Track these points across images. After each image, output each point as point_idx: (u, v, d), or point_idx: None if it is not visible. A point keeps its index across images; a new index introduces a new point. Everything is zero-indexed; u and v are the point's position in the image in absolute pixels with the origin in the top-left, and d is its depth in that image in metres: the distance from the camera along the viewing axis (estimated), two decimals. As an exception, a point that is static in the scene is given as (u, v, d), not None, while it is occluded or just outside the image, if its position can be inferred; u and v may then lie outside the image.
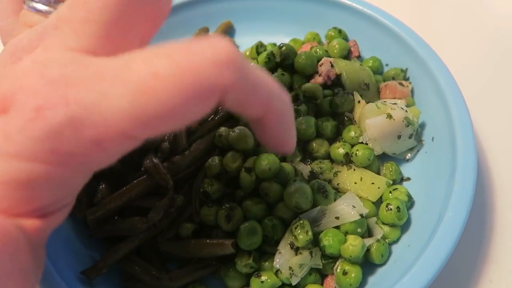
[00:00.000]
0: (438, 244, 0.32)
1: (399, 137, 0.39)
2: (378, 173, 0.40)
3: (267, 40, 0.51)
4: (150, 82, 0.19)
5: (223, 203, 0.38)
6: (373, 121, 0.38)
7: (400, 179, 0.41)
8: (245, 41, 0.52)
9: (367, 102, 0.42)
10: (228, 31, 0.53)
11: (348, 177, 0.39)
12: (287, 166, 0.39)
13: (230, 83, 0.20)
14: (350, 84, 0.43)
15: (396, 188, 0.38)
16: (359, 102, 0.41)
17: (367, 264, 0.36)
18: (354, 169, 0.39)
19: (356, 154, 0.39)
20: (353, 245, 0.34)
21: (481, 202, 0.41)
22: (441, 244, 0.32)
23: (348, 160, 0.40)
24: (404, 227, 0.37)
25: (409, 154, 0.41)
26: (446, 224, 0.33)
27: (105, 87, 0.20)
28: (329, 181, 0.39)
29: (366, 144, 0.40)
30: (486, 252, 0.38)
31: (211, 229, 0.39)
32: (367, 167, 0.40)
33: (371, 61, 0.46)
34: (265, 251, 0.37)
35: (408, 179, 0.41)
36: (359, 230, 0.35)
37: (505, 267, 0.37)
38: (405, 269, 0.33)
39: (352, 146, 0.40)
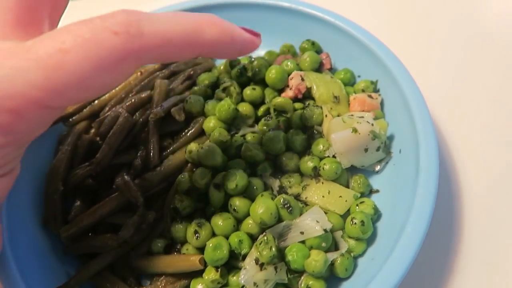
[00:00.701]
0: (396, 258, 0.33)
1: (366, 150, 0.40)
2: (347, 185, 0.41)
3: (243, 52, 0.52)
4: (59, 57, 0.22)
5: (194, 218, 0.39)
6: (338, 135, 0.39)
7: (369, 191, 0.41)
8: (222, 54, 0.53)
9: (338, 115, 0.42)
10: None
11: (316, 191, 0.40)
12: (256, 181, 0.40)
13: (134, 46, 0.23)
14: (321, 97, 0.44)
15: (363, 201, 0.39)
16: (326, 116, 0.42)
17: (332, 277, 0.36)
18: (323, 183, 0.40)
19: (324, 168, 0.40)
20: (316, 260, 0.34)
21: (448, 210, 0.41)
22: (399, 259, 0.32)
23: (316, 173, 0.40)
24: (370, 240, 0.38)
25: (378, 166, 0.42)
26: (405, 238, 0.33)
27: (17, 63, 0.22)
28: (298, 195, 0.40)
29: (334, 157, 0.40)
30: (451, 263, 0.39)
31: (182, 245, 0.40)
32: (335, 180, 0.40)
33: (342, 73, 0.47)
34: (233, 266, 0.38)
35: (377, 191, 0.41)
36: (323, 244, 0.36)
37: (471, 278, 0.38)
38: (366, 282, 0.33)
39: (321, 159, 0.41)
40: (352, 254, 0.37)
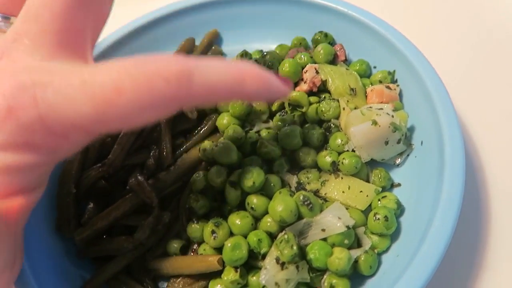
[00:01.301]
0: (424, 255, 0.31)
1: (386, 143, 0.38)
2: (367, 180, 0.40)
3: (254, 47, 0.51)
4: (113, 96, 0.24)
5: (211, 217, 0.38)
6: (357, 128, 0.38)
7: (390, 185, 0.40)
8: (233, 50, 0.51)
9: (355, 107, 0.41)
10: (215, 40, 0.52)
11: (335, 186, 0.38)
12: (273, 177, 0.38)
13: (182, 94, 0.24)
14: (336, 90, 0.42)
15: (385, 196, 0.38)
16: (343, 109, 0.40)
17: (356, 275, 0.35)
18: (342, 178, 0.39)
19: (343, 163, 0.38)
20: (339, 258, 0.33)
21: (475, 206, 0.40)
22: (428, 256, 0.31)
23: (335, 168, 0.39)
24: (394, 235, 0.36)
25: (398, 159, 0.40)
26: (433, 234, 0.32)
27: (72, 93, 0.24)
28: (317, 191, 0.39)
29: (353, 151, 0.39)
30: (480, 259, 0.37)
31: (199, 245, 0.38)
32: (355, 174, 0.39)
33: (358, 65, 0.45)
34: (252, 266, 0.36)
35: (399, 185, 0.40)
36: (346, 241, 0.34)
37: (500, 274, 0.36)
38: (393, 281, 0.32)
39: (339, 154, 0.39)
40: (376, 251, 0.36)
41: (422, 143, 0.39)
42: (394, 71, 0.43)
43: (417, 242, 0.33)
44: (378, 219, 0.35)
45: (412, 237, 0.35)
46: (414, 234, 0.35)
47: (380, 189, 0.38)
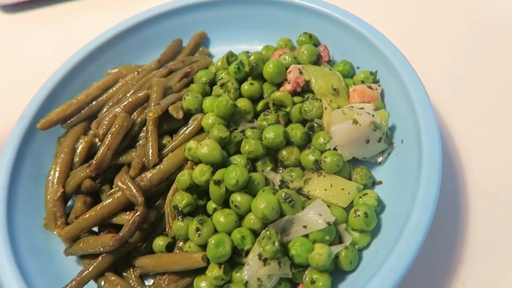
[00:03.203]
0: (401, 250, 0.32)
1: (367, 141, 0.39)
2: (350, 178, 0.41)
3: (241, 48, 0.52)
4: None
5: (196, 215, 0.39)
6: (338, 127, 0.38)
7: (371, 183, 0.41)
8: (219, 51, 0.52)
9: (337, 107, 0.42)
10: (202, 41, 0.53)
11: (318, 184, 0.39)
12: (256, 176, 0.39)
13: None
14: (320, 90, 0.43)
15: (366, 193, 0.38)
16: (325, 108, 0.41)
17: (337, 270, 0.36)
18: (324, 176, 0.40)
19: (325, 161, 0.39)
20: (320, 253, 0.34)
21: (453, 202, 0.41)
22: (404, 251, 0.32)
23: (318, 167, 0.40)
24: (374, 232, 0.37)
25: (380, 158, 0.41)
26: (410, 229, 0.33)
27: None
28: (300, 189, 0.39)
29: (335, 150, 0.40)
30: (458, 253, 0.38)
31: (184, 242, 0.39)
32: (338, 173, 0.40)
33: (341, 65, 0.46)
34: (237, 262, 0.37)
35: (380, 182, 0.41)
36: (327, 238, 0.35)
37: (478, 268, 0.37)
38: (371, 276, 0.33)
39: (322, 152, 0.40)
40: (356, 247, 0.37)
41: (402, 141, 0.40)
42: (376, 71, 0.44)
43: (395, 237, 0.34)
44: (359, 215, 0.36)
45: (391, 233, 0.36)
46: (393, 230, 0.35)
47: (362, 187, 0.39)
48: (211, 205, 0.39)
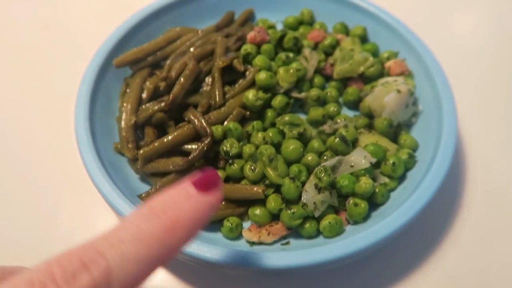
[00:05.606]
0: (425, 186, 0.41)
1: (406, 106, 0.48)
2: (395, 141, 0.48)
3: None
4: None
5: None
6: (389, 97, 0.47)
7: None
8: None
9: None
10: (250, 17, 0.59)
11: (368, 139, 0.47)
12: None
13: None
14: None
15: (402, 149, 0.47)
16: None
17: (371, 204, 0.44)
18: (373, 134, 0.48)
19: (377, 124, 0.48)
20: (366, 183, 0.42)
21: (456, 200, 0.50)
22: (428, 187, 0.41)
23: (371, 126, 0.49)
24: (403, 176, 0.46)
25: (414, 119, 0.50)
26: (433, 171, 0.42)
27: None
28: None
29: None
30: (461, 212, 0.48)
31: (238, 180, 0.45)
32: (386, 135, 0.48)
33: (369, 46, 0.55)
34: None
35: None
36: (367, 175, 0.43)
37: (477, 219, 0.47)
38: (397, 205, 0.41)
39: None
40: (387, 188, 0.45)
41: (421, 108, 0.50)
42: (398, 52, 0.54)
43: (420, 178, 0.43)
44: (387, 164, 0.45)
45: (416, 176, 0.44)
46: (418, 174, 0.44)
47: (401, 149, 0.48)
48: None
